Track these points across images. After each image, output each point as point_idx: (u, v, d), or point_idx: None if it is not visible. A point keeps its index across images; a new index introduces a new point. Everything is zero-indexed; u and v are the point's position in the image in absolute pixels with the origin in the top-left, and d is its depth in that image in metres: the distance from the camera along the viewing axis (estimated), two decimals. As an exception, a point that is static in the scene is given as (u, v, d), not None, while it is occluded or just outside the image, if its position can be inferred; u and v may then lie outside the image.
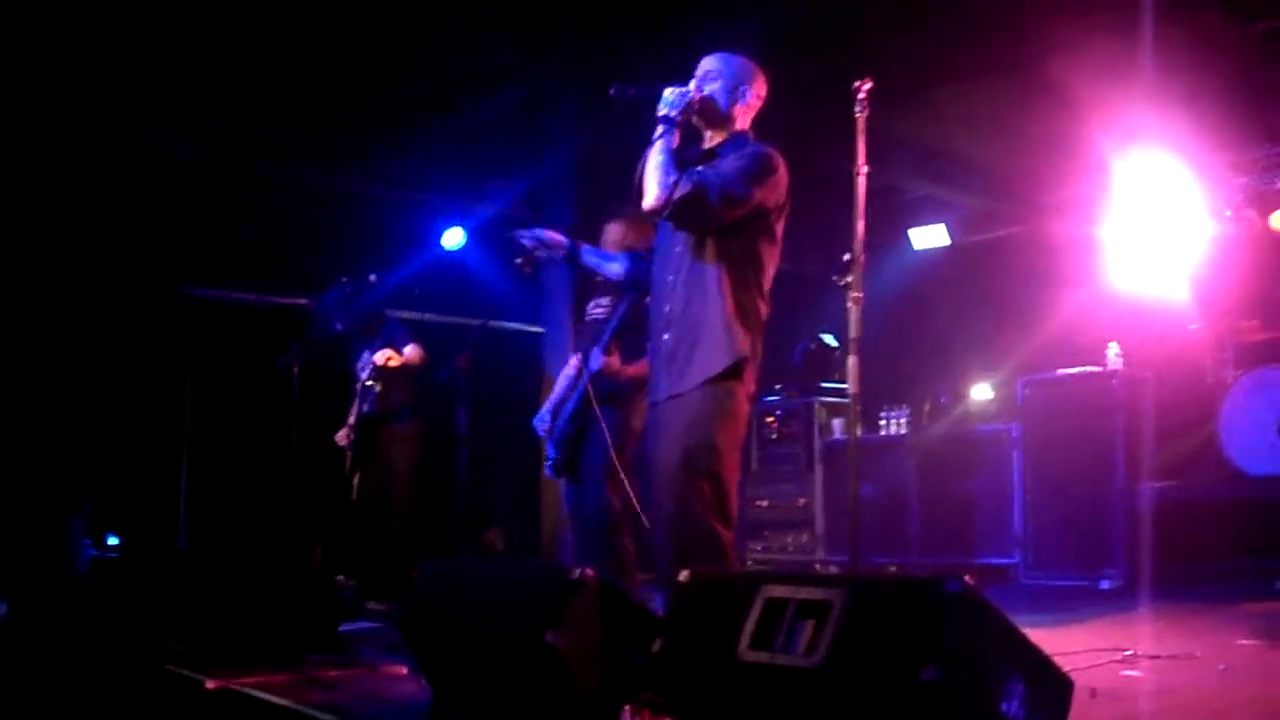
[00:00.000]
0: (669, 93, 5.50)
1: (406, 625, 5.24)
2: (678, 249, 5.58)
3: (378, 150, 11.91)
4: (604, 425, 7.03)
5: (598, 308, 7.39)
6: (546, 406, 7.50)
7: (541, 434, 7.45)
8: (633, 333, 6.95)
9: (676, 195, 5.29)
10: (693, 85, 5.58)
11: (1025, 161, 12.32)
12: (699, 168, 5.45)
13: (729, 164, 5.46)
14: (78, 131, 10.44)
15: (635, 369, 7.00)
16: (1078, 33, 9.46)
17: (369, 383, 9.67)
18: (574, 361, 7.52)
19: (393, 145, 11.85)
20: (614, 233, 7.40)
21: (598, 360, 6.94)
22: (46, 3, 9.00)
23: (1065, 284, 12.21)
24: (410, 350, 9.74)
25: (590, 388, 7.07)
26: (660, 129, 5.47)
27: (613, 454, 7.03)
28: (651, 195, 5.40)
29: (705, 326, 5.42)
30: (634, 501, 6.97)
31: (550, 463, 7.24)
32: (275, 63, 10.04)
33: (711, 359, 5.38)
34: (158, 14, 9.26)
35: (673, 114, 5.47)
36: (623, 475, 7.08)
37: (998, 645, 3.45)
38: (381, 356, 9.54)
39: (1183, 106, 10.38)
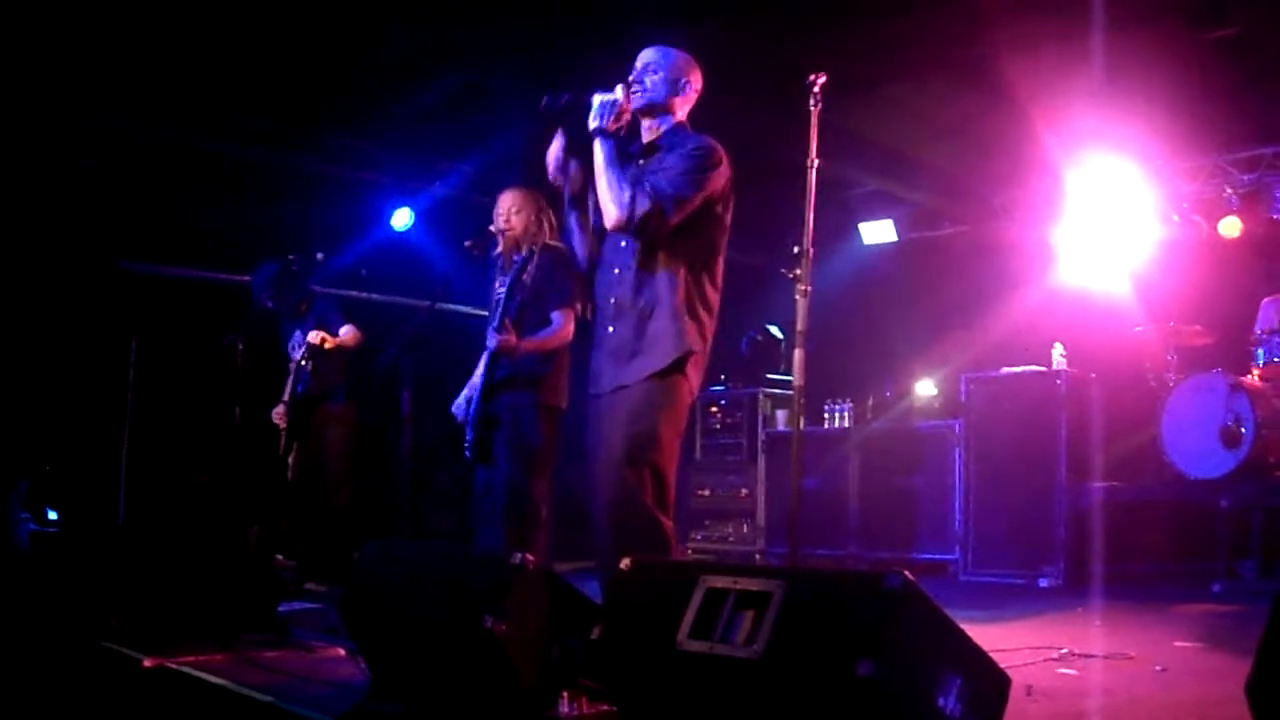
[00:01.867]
0: (596, 101, 5.46)
1: (345, 607, 5.22)
2: (624, 242, 5.57)
3: (329, 129, 11.85)
4: (513, 408, 7.06)
5: (501, 286, 7.35)
6: (464, 391, 7.47)
7: (460, 419, 7.41)
8: (531, 307, 6.96)
9: (638, 214, 5.29)
10: (619, 90, 5.51)
11: (976, 161, 12.38)
12: (645, 171, 5.45)
13: (673, 165, 5.44)
14: (19, 104, 10.34)
15: (532, 342, 6.97)
16: (1032, 35, 9.50)
17: (302, 362, 9.60)
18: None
19: (343, 124, 11.80)
20: (505, 201, 7.39)
21: (493, 340, 6.88)
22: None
23: (1012, 283, 12.31)
24: (345, 332, 9.65)
25: (494, 370, 7.05)
26: (596, 142, 5.45)
27: (524, 440, 7.05)
28: (611, 215, 5.38)
29: (654, 319, 5.41)
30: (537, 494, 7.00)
31: (468, 445, 7.20)
32: (228, 39, 9.96)
33: (659, 353, 5.37)
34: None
35: (605, 124, 5.44)
36: (541, 463, 7.09)
37: (935, 641, 3.46)
38: (315, 336, 9.45)
39: (1135, 111, 10.45)
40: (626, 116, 5.54)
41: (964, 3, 9.35)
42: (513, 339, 6.86)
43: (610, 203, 5.38)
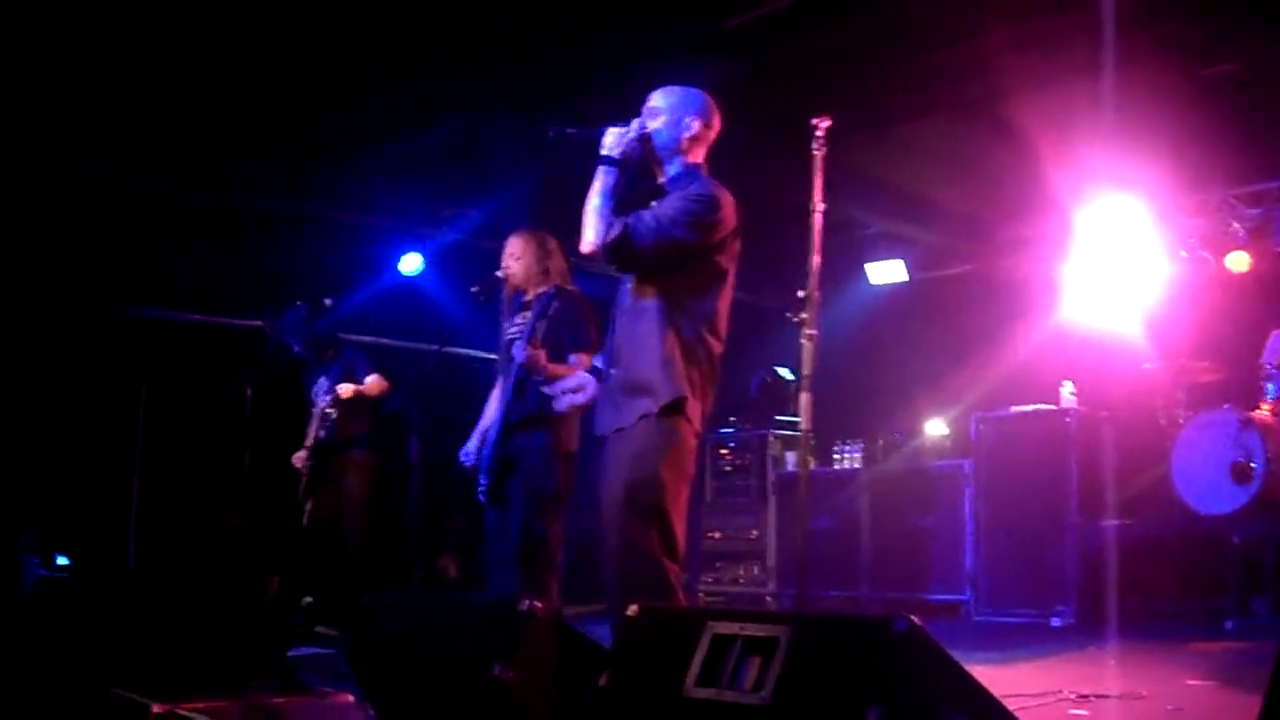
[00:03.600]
0: (610, 134, 5.45)
1: (355, 654, 5.21)
2: (627, 284, 5.57)
3: (336, 174, 11.87)
4: (530, 450, 7.07)
5: (513, 326, 7.37)
6: (474, 436, 7.47)
7: (468, 466, 7.41)
8: (556, 338, 6.97)
9: (609, 238, 5.28)
10: (635, 124, 5.52)
11: (983, 199, 12.38)
12: (644, 210, 5.42)
13: (668, 205, 5.41)
14: (30, 152, 10.38)
15: (559, 368, 6.98)
16: (1037, 73, 9.51)
17: (328, 410, 9.64)
18: (498, 388, 7.51)
19: (352, 169, 11.82)
20: (508, 246, 7.44)
21: (521, 351, 6.88)
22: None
23: (1021, 322, 12.28)
24: (371, 381, 9.70)
25: (511, 409, 7.06)
26: (600, 170, 5.43)
27: (541, 484, 7.05)
28: (586, 240, 5.38)
29: (644, 364, 5.37)
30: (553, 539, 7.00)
31: (482, 490, 7.20)
32: (234, 85, 9.99)
33: (650, 396, 5.34)
34: (116, 39, 9.21)
35: (614, 154, 5.42)
36: (555, 508, 7.09)
37: (944, 685, 3.45)
38: (346, 390, 9.51)
39: (1141, 148, 10.45)
40: (635, 149, 5.49)
41: (970, 42, 9.37)
42: (541, 355, 6.88)
43: (587, 227, 5.37)
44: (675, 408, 5.32)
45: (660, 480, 5.27)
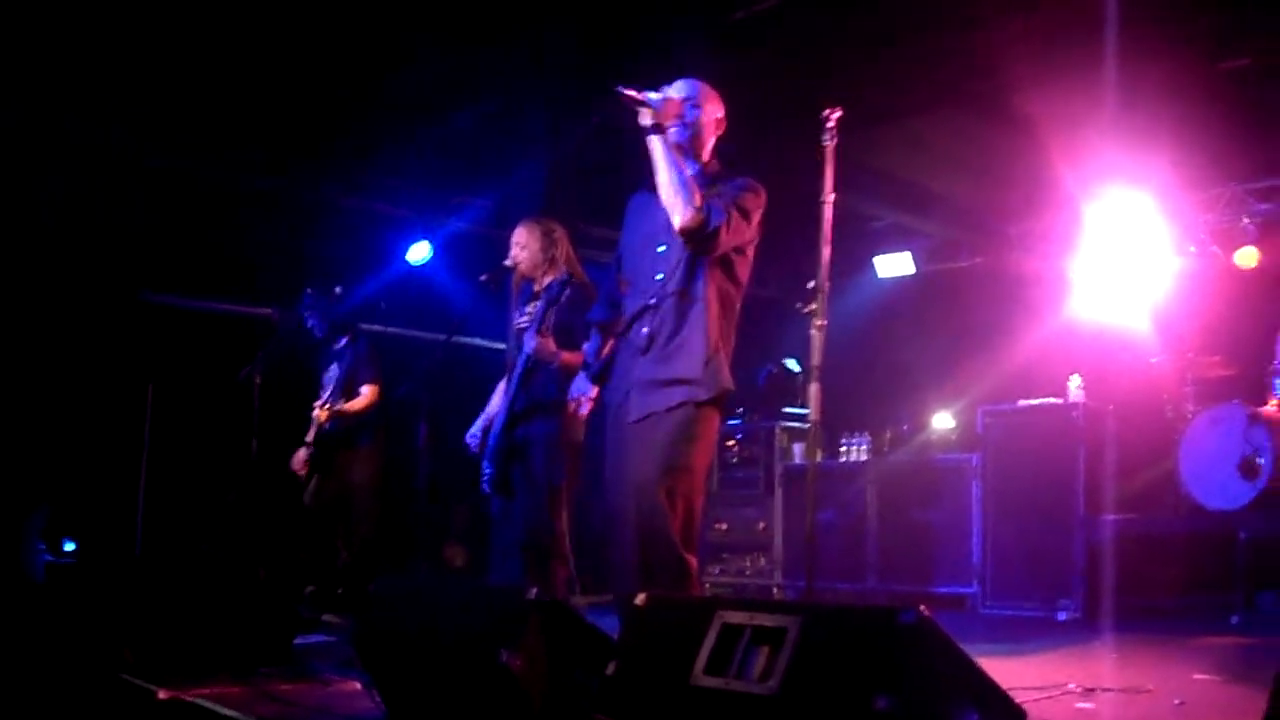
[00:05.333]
0: (654, 95, 5.41)
1: (360, 641, 5.22)
2: (659, 275, 5.52)
3: (345, 162, 11.89)
4: (537, 439, 7.07)
5: (523, 315, 7.37)
6: (478, 422, 7.48)
7: (474, 450, 7.42)
8: (559, 340, 6.95)
9: (713, 222, 5.25)
10: (669, 91, 5.48)
11: (992, 193, 12.39)
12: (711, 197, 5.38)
13: (733, 193, 5.41)
14: (40, 139, 10.38)
15: (571, 356, 6.98)
16: (1047, 67, 9.50)
17: (320, 410, 9.68)
18: (506, 376, 7.52)
19: (360, 158, 11.83)
20: (515, 235, 7.45)
21: (532, 341, 6.87)
22: (9, 9, 8.95)
23: (1029, 315, 12.28)
24: (361, 397, 9.73)
25: (518, 396, 7.06)
26: (654, 140, 5.37)
27: (547, 472, 7.05)
28: (683, 214, 5.27)
29: (693, 352, 5.37)
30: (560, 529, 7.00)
31: (486, 478, 7.20)
32: (244, 73, 10.01)
33: (694, 386, 5.34)
34: (125, 25, 9.22)
35: (663, 120, 5.38)
36: (561, 497, 7.09)
37: (951, 676, 3.45)
38: (321, 415, 9.58)
39: (1150, 143, 10.45)
40: (671, 113, 5.46)
41: (981, 36, 9.37)
42: (551, 343, 6.86)
43: (682, 202, 5.27)
44: (715, 401, 5.33)
45: (692, 467, 5.29)
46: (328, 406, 9.62)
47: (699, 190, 5.29)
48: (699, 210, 5.25)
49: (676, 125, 5.51)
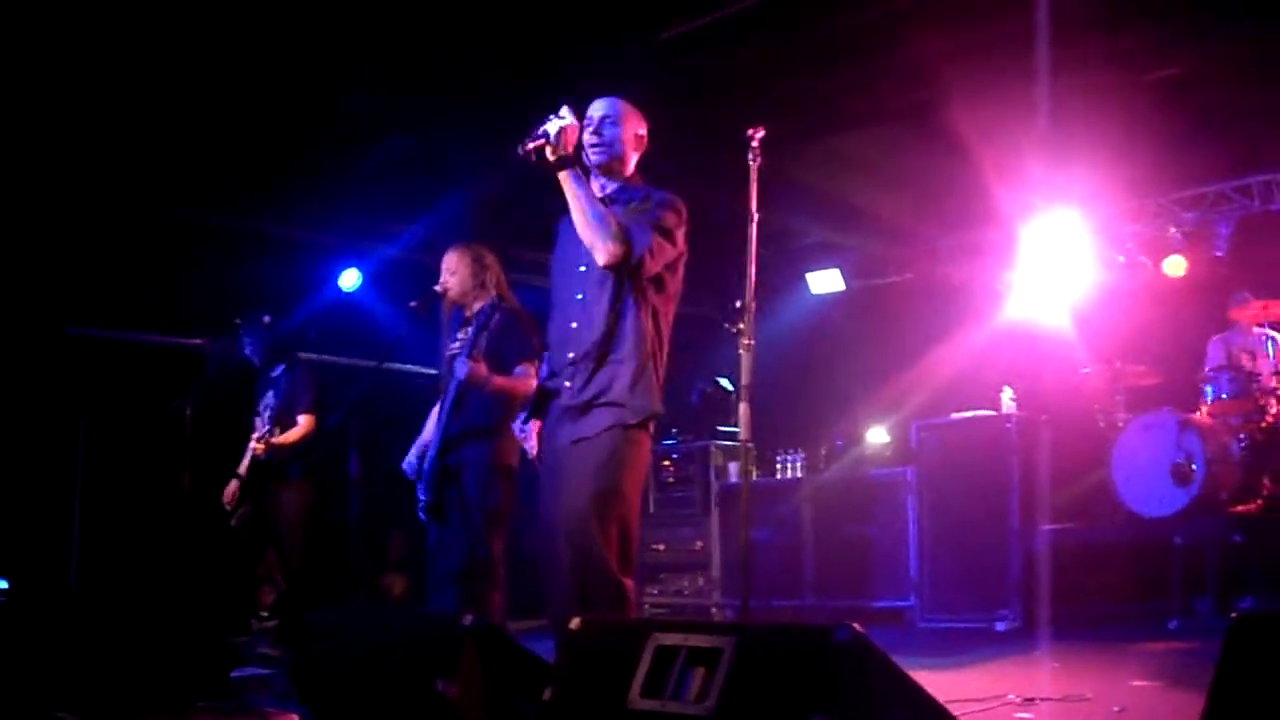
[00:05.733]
0: (553, 129, 5.25)
1: (297, 672, 5.18)
2: (580, 295, 5.46)
3: (275, 191, 11.81)
4: (469, 465, 7.06)
5: (455, 342, 7.36)
6: (414, 449, 7.45)
7: (410, 476, 7.39)
8: (491, 363, 6.93)
9: (638, 250, 5.19)
10: (565, 111, 5.31)
11: (920, 207, 12.45)
12: (631, 220, 5.31)
13: (653, 213, 5.36)
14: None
15: (501, 381, 6.96)
16: (975, 83, 9.55)
17: (256, 445, 9.57)
18: (439, 403, 7.51)
19: (290, 186, 11.77)
20: (445, 261, 7.43)
21: (464, 367, 6.85)
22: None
23: (960, 328, 12.35)
24: (298, 427, 9.61)
25: (452, 420, 7.05)
26: (565, 175, 5.27)
27: (482, 497, 7.03)
28: (606, 250, 5.18)
29: (621, 375, 5.31)
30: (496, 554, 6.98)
31: (422, 505, 7.18)
32: (173, 103, 9.95)
33: (621, 409, 5.29)
34: (51, 58, 9.16)
35: (565, 152, 5.24)
36: (497, 520, 7.07)
37: (887, 692, 3.45)
38: (259, 449, 9.45)
39: (1080, 154, 10.53)
40: (573, 139, 5.33)
41: (907, 51, 9.41)
42: (483, 368, 6.85)
43: (602, 237, 5.18)
44: (643, 424, 5.30)
45: (624, 491, 5.24)
46: (264, 439, 9.51)
47: (615, 221, 5.21)
48: (619, 242, 5.18)
49: (595, 148, 5.47)
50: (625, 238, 5.20)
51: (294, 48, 9.35)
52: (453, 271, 7.38)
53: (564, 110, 5.35)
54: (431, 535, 7.33)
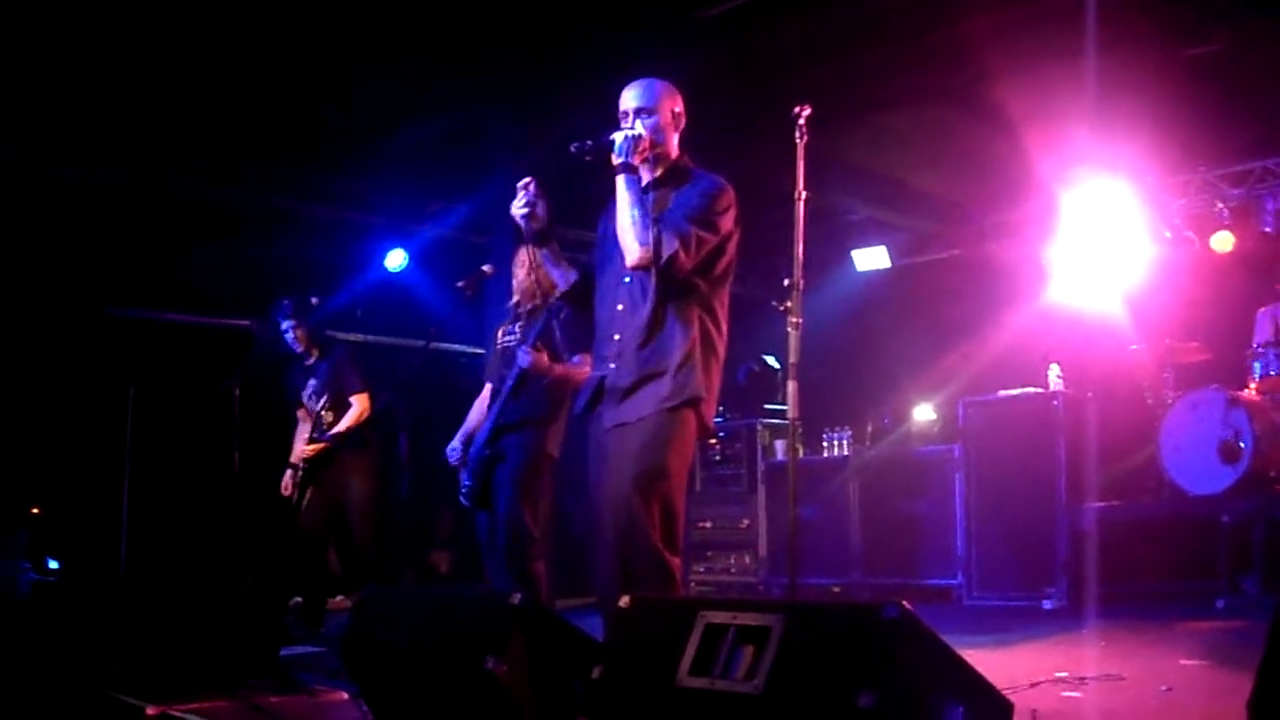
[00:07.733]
0: (619, 138, 5.33)
1: (347, 651, 5.21)
2: (628, 279, 5.47)
3: (321, 172, 11.86)
4: (518, 448, 7.08)
5: (508, 335, 7.38)
6: (459, 435, 7.48)
7: (454, 463, 7.42)
8: (552, 340, 6.97)
9: (664, 254, 5.19)
10: (639, 124, 5.39)
11: (967, 184, 12.41)
12: (668, 212, 5.34)
13: (691, 204, 5.36)
14: (13, 152, 10.35)
15: (564, 369, 6.99)
16: (1020, 58, 9.52)
17: (322, 412, 9.54)
18: (487, 389, 7.54)
19: (336, 167, 11.81)
20: (522, 255, 7.42)
21: (526, 357, 6.88)
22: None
23: (1007, 305, 12.29)
24: (354, 411, 9.57)
25: (509, 415, 7.08)
26: (621, 179, 5.32)
27: (525, 478, 7.06)
28: (634, 253, 5.25)
29: (664, 361, 5.32)
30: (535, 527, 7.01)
31: (465, 490, 7.21)
32: (220, 85, 9.98)
33: (670, 391, 5.28)
34: (102, 38, 9.20)
35: (630, 159, 5.30)
36: (537, 500, 7.10)
37: (936, 670, 3.46)
38: (317, 447, 9.43)
39: (1124, 130, 10.48)
40: (646, 149, 5.39)
41: (952, 27, 9.38)
42: (544, 358, 6.88)
43: (634, 240, 5.25)
44: (691, 401, 5.31)
45: (668, 471, 5.24)
46: (321, 435, 9.43)
47: (653, 227, 5.23)
48: (648, 248, 5.21)
49: (642, 153, 5.46)
50: (656, 244, 5.21)
51: (341, 26, 9.37)
52: (524, 265, 7.38)
53: (638, 123, 5.40)
54: (480, 521, 7.38)
